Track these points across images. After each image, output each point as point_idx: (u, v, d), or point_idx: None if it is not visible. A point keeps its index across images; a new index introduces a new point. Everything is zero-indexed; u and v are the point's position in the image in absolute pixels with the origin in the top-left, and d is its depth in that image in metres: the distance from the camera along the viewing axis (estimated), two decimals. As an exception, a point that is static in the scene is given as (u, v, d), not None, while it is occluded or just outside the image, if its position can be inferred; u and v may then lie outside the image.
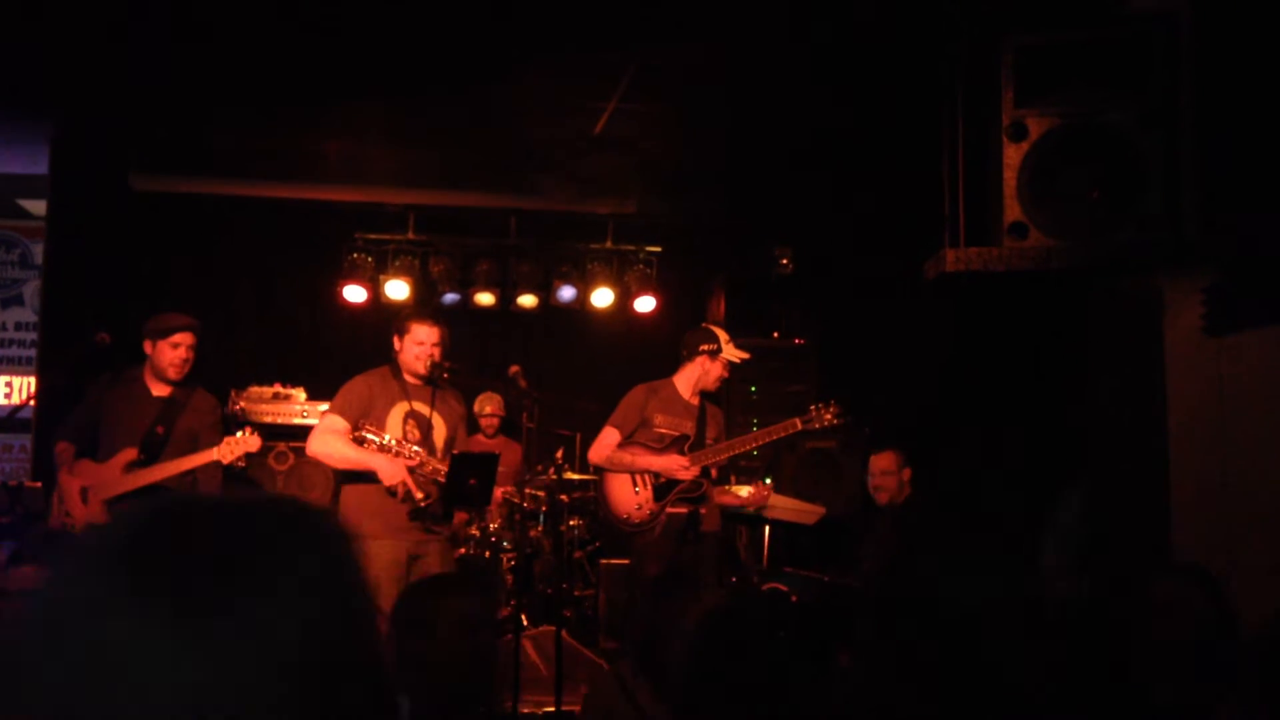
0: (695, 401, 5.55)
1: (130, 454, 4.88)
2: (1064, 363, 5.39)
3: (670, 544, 5.37)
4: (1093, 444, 4.89)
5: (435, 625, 2.61)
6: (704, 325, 5.90)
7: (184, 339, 5.00)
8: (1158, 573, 2.97)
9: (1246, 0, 3.78)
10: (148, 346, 5.01)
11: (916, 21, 4.56)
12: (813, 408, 5.52)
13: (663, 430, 5.48)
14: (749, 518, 6.21)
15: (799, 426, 5.48)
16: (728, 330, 5.76)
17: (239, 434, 5.01)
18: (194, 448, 4.97)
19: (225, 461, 5.01)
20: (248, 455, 4.98)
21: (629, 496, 5.48)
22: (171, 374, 4.99)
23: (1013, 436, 5.88)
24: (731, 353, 5.52)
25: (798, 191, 6.97)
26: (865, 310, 6.90)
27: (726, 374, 5.56)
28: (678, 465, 5.38)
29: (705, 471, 5.47)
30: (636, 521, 5.44)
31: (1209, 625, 2.44)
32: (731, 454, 5.47)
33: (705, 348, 5.53)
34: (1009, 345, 5.91)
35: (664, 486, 5.42)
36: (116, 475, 4.84)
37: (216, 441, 4.98)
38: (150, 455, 4.90)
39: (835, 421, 5.50)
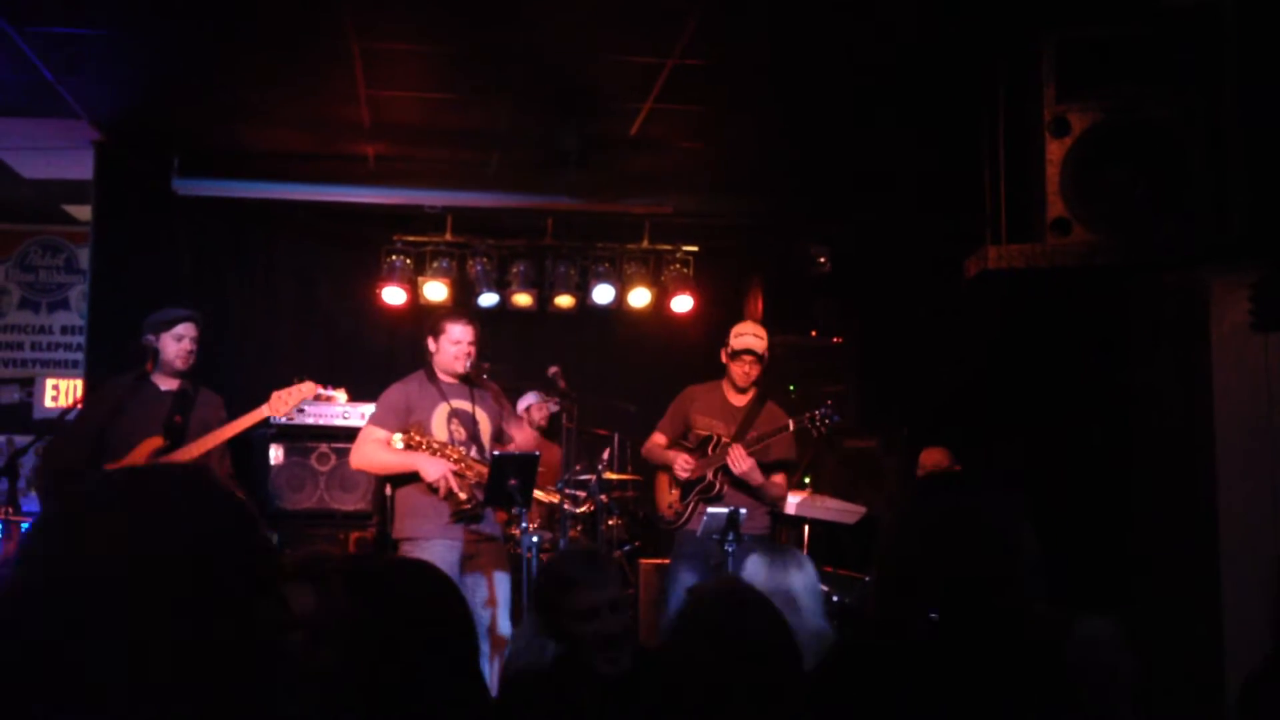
0: (741, 402, 5.54)
1: (156, 442, 4.90)
2: (1109, 359, 5.34)
3: (708, 545, 5.38)
4: (1139, 440, 4.85)
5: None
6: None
7: (187, 330, 5.07)
8: None
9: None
10: (150, 341, 5.06)
11: (957, 18, 4.53)
12: (808, 414, 5.41)
13: (698, 431, 5.53)
14: (790, 519, 6.21)
15: (791, 427, 5.39)
16: (766, 327, 5.72)
17: (293, 385, 5.07)
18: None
19: (280, 415, 5.07)
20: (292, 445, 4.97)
21: (664, 494, 5.58)
22: (179, 364, 5.04)
23: (1056, 434, 5.83)
24: (733, 344, 5.48)
25: (835, 189, 6.94)
26: (905, 308, 6.87)
27: (749, 368, 5.45)
28: (680, 464, 5.40)
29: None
30: (669, 519, 5.52)
31: None
32: (721, 464, 5.36)
33: (724, 349, 5.56)
34: (1052, 342, 5.86)
35: (687, 486, 5.45)
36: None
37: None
38: (174, 442, 4.94)
39: (825, 423, 5.38)
